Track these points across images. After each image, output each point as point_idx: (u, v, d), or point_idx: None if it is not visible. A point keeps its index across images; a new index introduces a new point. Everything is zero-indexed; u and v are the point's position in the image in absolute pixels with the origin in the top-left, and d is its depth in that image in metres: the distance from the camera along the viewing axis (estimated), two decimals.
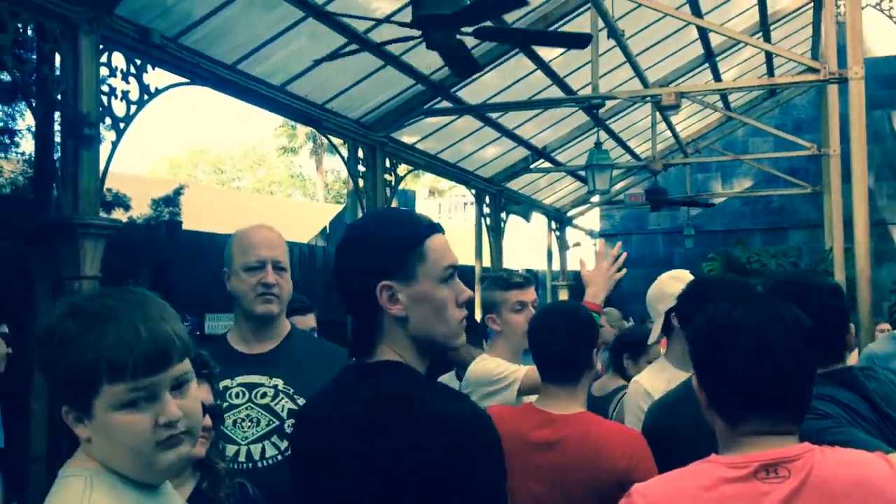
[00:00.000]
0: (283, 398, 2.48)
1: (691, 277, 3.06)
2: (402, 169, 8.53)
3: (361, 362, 1.58)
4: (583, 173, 13.04)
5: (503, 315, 3.22)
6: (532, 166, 11.25)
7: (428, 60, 7.36)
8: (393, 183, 8.21)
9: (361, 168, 7.72)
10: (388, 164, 8.08)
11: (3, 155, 4.42)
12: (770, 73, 11.86)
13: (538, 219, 13.87)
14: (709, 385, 1.56)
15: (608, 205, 14.67)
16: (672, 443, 2.22)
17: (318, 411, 1.63)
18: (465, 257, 13.31)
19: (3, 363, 3.04)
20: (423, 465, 1.40)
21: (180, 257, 6.46)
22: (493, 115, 9.09)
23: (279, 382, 2.50)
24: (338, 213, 13.54)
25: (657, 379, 2.98)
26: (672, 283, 3.14)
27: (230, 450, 2.41)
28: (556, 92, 9.01)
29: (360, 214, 7.87)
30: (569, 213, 14.61)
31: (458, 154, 10.01)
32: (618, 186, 14.73)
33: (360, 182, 7.65)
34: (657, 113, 9.40)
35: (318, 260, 9.07)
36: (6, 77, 4.54)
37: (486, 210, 11.15)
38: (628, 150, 12.54)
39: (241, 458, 2.42)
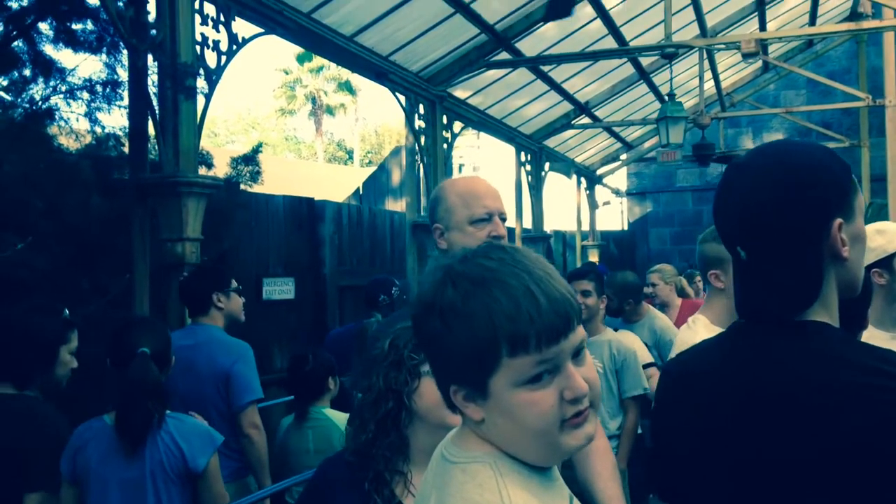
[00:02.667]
0: None
1: None
2: (456, 126, 8.22)
3: (786, 320, 1.31)
4: (619, 129, 12.81)
5: (730, 272, 2.96)
6: (573, 122, 10.95)
7: (494, 6, 7.05)
8: (450, 140, 7.92)
9: (421, 124, 7.41)
10: (444, 120, 7.78)
11: (98, 109, 4.11)
12: (812, 22, 11.55)
13: (564, 177, 13.60)
14: None
15: (639, 162, 14.40)
16: None
17: (712, 376, 1.38)
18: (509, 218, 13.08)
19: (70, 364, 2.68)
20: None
21: (240, 220, 6.17)
22: (546, 69, 8.78)
23: None
24: (371, 175, 13.23)
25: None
26: (875, 237, 2.90)
27: None
28: (610, 43, 8.70)
29: (421, 174, 7.59)
30: (598, 172, 14.35)
31: (503, 110, 9.71)
32: (649, 143, 14.47)
33: (422, 139, 7.34)
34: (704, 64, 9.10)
35: (365, 220, 8.79)
36: (96, 27, 4.21)
37: (528, 168, 10.87)
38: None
39: None
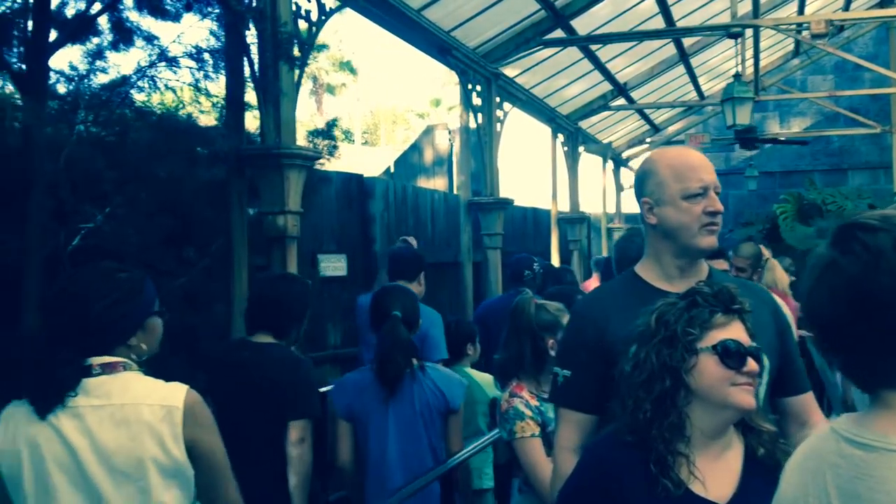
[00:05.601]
0: None
1: None
2: (506, 106, 8.13)
3: None
4: (650, 111, 12.75)
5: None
6: (610, 104, 10.88)
7: None
8: (502, 119, 7.84)
9: (477, 101, 7.33)
10: (497, 99, 7.70)
11: (195, 78, 4.03)
12: (846, 7, 11.48)
13: (590, 160, 13.52)
14: None
15: (668, 145, 14.32)
16: None
17: None
18: (539, 199, 12.98)
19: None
20: None
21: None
22: (594, 47, 8.70)
23: None
24: (402, 154, 13.15)
25: None
26: None
27: None
28: (659, 23, 8.62)
29: (455, 150, 7.52)
30: (623, 155, 14.29)
31: (545, 90, 9.63)
32: (676, 126, 14.42)
33: (479, 117, 7.27)
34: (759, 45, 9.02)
35: (409, 198, 8.72)
36: None
37: (564, 149, 10.80)
38: (697, 88, 12.20)
39: None
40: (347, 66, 40.50)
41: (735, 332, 1.70)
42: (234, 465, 1.96)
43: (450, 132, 12.49)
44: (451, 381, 3.07)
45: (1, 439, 1.79)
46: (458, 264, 7.85)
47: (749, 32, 8.75)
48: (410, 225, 8.74)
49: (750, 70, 13.07)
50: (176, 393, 1.82)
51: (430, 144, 12.23)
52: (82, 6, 4.41)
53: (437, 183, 11.79)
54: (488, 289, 7.43)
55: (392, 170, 12.45)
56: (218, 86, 4.20)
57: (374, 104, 49.68)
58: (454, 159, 12.27)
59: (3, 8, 4.44)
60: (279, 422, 2.80)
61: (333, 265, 7.37)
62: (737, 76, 8.50)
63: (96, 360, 1.82)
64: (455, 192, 11.61)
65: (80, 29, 4.36)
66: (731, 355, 1.65)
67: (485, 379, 3.87)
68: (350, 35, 65.75)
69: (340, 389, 3.05)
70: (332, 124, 5.46)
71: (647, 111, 12.65)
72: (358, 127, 44.27)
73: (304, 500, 2.65)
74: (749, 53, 10.52)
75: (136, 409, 1.77)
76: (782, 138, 12.10)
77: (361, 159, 14.51)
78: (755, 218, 13.62)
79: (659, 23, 8.62)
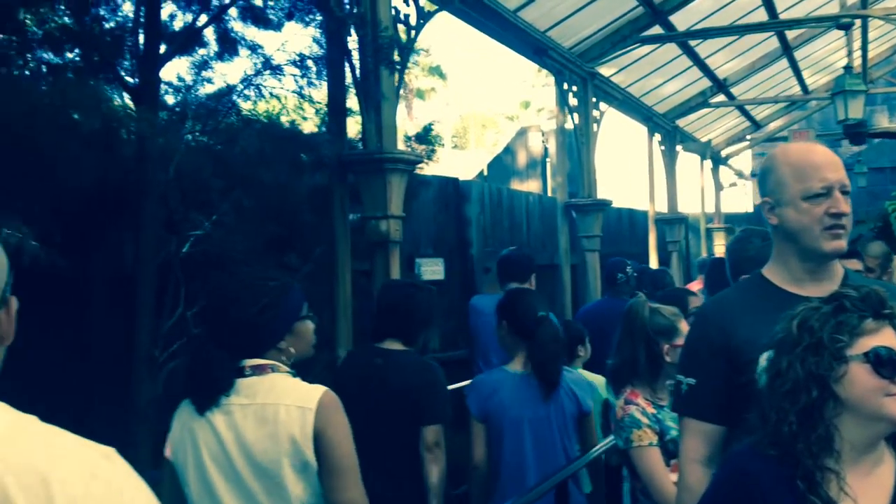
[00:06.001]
0: None
1: None
2: (602, 106, 7.98)
3: None
4: (751, 108, 12.33)
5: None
6: (710, 101, 10.57)
7: None
8: (599, 119, 7.70)
9: (574, 101, 7.22)
10: (593, 99, 7.57)
11: (298, 86, 4.08)
12: None
13: (688, 159, 13.16)
14: None
15: (766, 143, 13.84)
16: None
17: None
18: (636, 200, 12.72)
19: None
20: None
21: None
22: (693, 43, 8.46)
23: None
24: (495, 157, 13.12)
25: None
26: None
27: None
28: (761, 15, 8.31)
29: (551, 152, 7.41)
30: (722, 153, 13.86)
31: (641, 89, 9.43)
32: (778, 123, 13.91)
33: (576, 117, 7.16)
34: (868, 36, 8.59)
35: (505, 201, 8.67)
36: (287, 3, 4.17)
37: (661, 148, 10.54)
38: (800, 82, 11.74)
39: None
40: (437, 71, 40.74)
41: (887, 338, 1.57)
42: (368, 469, 2.03)
43: (543, 134, 12.37)
44: (582, 384, 3.11)
45: (174, 432, 2.00)
46: (555, 266, 7.74)
47: (857, 23, 8.36)
48: (506, 227, 8.68)
49: (858, 62, 12.53)
50: (312, 394, 1.92)
51: (524, 147, 12.13)
52: (189, 18, 4.54)
53: (531, 185, 11.69)
54: (587, 292, 7.30)
55: (485, 173, 12.41)
56: (320, 92, 4.24)
57: (462, 109, 49.87)
58: (548, 161, 12.14)
59: (113, 24, 4.62)
60: (413, 426, 2.86)
61: (431, 269, 7.37)
62: (847, 68, 8.11)
63: (249, 363, 1.96)
64: (549, 194, 11.49)
65: (188, 41, 4.48)
66: (884, 364, 1.52)
67: (597, 380, 3.82)
68: (438, 40, 66.23)
69: (475, 390, 3.08)
70: (428, 128, 5.47)
71: (747, 107, 12.23)
72: (447, 131, 44.52)
73: (441, 502, 2.71)
74: (856, 45, 10.06)
75: (275, 409, 1.89)
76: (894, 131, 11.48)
77: (452, 163, 14.54)
78: (865, 216, 12.97)
79: (761, 15, 8.32)
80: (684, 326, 2.77)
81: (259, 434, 1.89)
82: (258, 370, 1.95)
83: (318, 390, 1.94)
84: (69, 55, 4.12)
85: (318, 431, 1.88)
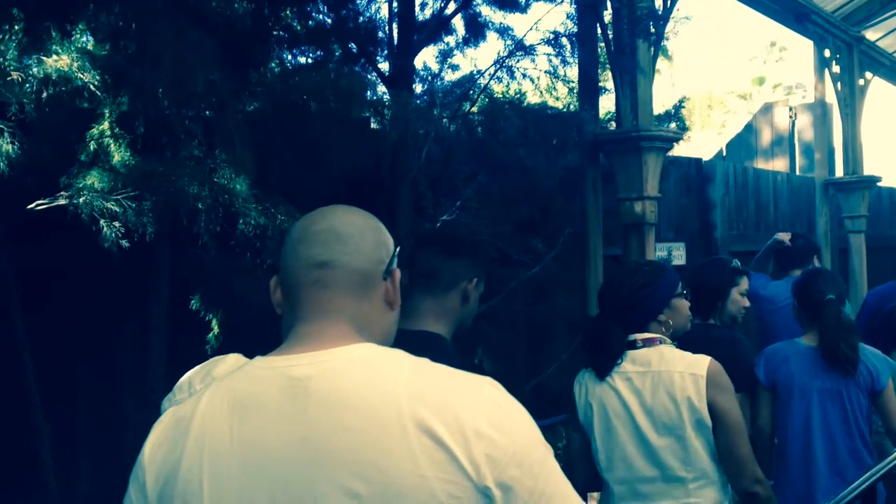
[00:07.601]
0: None
1: None
2: (867, 75, 7.20)
3: None
4: None
5: None
6: None
7: None
8: (864, 88, 6.97)
9: (836, 69, 6.57)
10: (858, 66, 6.85)
11: (552, 65, 3.98)
12: None
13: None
14: None
15: None
16: None
17: None
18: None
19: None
20: None
21: None
22: None
23: None
24: (736, 136, 12.38)
25: None
26: None
27: None
28: None
29: (834, 125, 6.76)
30: None
31: None
32: None
33: (839, 86, 6.52)
34: None
35: (750, 181, 8.10)
36: None
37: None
38: None
39: None
40: (662, 51, 39.42)
41: None
42: None
43: (791, 109, 11.46)
44: (878, 359, 3.06)
45: (578, 397, 2.33)
46: None
47: None
48: (751, 210, 8.13)
49: None
50: (700, 362, 2.19)
51: (768, 124, 11.29)
52: (439, 6, 4.59)
53: (777, 164, 10.84)
54: (852, 278, 6.64)
55: (724, 153, 11.71)
56: (571, 70, 4.11)
57: (687, 89, 47.81)
58: (795, 138, 11.24)
59: (365, 18, 4.77)
60: None
61: (673, 253, 7.05)
62: None
63: (639, 336, 2.26)
64: (797, 172, 10.64)
65: (437, 29, 4.53)
66: None
67: None
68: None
69: (765, 358, 3.15)
70: (679, 105, 5.18)
71: None
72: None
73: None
74: None
75: (670, 376, 2.18)
76: None
77: (683, 145, 13.80)
78: None
79: None
80: None
81: (658, 397, 2.17)
82: (648, 343, 2.24)
83: (705, 359, 2.19)
84: (330, 48, 4.31)
85: (710, 394, 2.15)
